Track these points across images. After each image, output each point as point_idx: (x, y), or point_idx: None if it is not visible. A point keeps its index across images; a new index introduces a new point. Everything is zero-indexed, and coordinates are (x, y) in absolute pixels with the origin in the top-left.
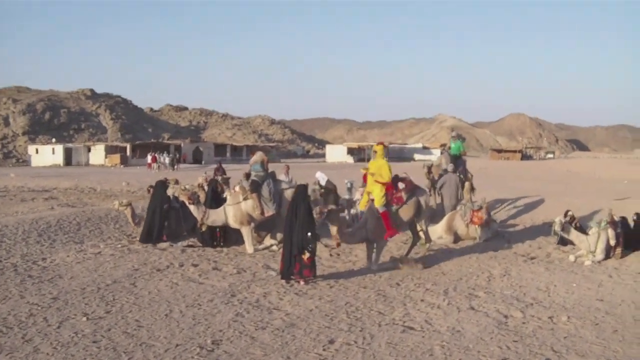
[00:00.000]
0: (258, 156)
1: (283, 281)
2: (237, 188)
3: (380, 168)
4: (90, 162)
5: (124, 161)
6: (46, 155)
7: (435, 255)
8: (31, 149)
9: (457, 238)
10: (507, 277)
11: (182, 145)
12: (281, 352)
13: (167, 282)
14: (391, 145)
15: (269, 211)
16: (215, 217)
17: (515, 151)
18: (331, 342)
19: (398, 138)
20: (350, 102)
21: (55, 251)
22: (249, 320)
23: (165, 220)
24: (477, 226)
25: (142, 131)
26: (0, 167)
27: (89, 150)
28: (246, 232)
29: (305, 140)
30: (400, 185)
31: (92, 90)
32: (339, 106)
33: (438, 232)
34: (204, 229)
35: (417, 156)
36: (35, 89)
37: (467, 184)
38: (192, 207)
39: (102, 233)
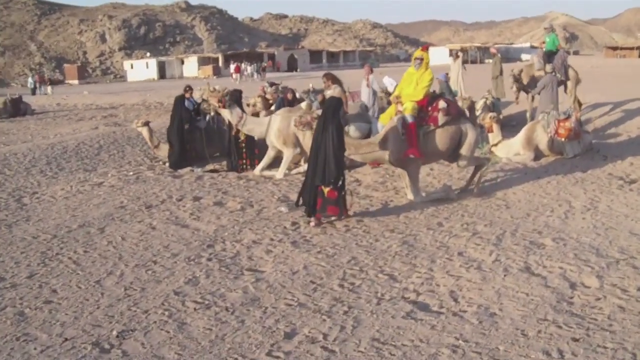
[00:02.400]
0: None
1: (289, 221)
2: (303, 104)
3: (420, 79)
4: (184, 74)
5: (216, 72)
6: (140, 70)
7: (505, 179)
8: (126, 64)
9: (539, 154)
10: (592, 212)
11: (275, 53)
12: (203, 356)
13: (143, 226)
14: (496, 46)
15: None
16: (254, 125)
17: (632, 48)
18: (289, 335)
19: (507, 38)
20: (459, 2)
21: (55, 182)
22: (199, 290)
23: (187, 143)
24: (563, 139)
25: (239, 41)
26: (98, 84)
27: (182, 62)
28: (287, 156)
29: (408, 43)
30: (442, 104)
31: (186, 2)
32: (447, 7)
33: (515, 147)
34: (242, 137)
35: (524, 56)
36: (131, 4)
37: (569, 83)
38: (224, 112)
39: (123, 157)
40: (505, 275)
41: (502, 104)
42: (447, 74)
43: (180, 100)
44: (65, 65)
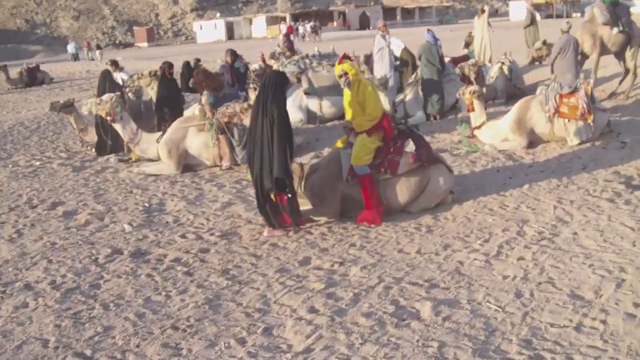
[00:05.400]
0: None
1: (112, 249)
2: (196, 110)
3: (363, 100)
4: (253, 35)
5: None
6: (209, 31)
7: (461, 180)
8: (196, 25)
9: (535, 139)
10: (542, 245)
11: (346, 10)
12: None
13: None
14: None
15: (236, 160)
16: (149, 145)
17: None
18: None
19: None
20: None
21: None
22: None
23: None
24: (565, 120)
25: None
26: (168, 46)
27: (251, 22)
28: (162, 168)
29: None
30: (410, 146)
31: None
32: None
33: (502, 131)
34: (134, 158)
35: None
36: None
37: (634, 41)
38: (117, 127)
39: (53, 142)
40: None
41: (527, 69)
42: (430, 31)
43: (107, 74)
44: (135, 27)
